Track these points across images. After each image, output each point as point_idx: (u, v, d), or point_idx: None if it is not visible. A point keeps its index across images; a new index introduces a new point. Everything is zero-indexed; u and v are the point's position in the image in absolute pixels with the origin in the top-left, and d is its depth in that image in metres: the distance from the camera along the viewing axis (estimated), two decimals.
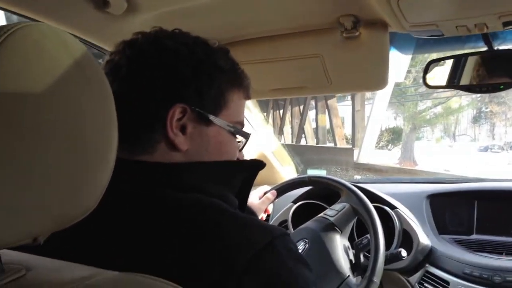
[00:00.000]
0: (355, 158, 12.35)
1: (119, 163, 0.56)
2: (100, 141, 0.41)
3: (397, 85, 15.36)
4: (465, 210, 1.35)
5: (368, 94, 14.67)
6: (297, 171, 1.98)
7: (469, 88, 1.11)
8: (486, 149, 24.72)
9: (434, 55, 1.21)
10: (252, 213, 1.14)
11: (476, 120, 28.73)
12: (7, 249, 0.46)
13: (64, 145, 0.37)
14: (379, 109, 12.37)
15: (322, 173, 1.66)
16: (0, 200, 0.33)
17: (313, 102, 15.82)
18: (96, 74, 0.43)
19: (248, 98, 0.74)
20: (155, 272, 0.42)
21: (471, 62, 1.06)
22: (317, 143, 15.27)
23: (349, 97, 14.64)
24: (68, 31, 0.97)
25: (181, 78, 0.62)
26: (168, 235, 0.52)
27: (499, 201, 1.32)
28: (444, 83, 1.12)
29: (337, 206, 1.21)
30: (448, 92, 16.18)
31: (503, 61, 1.04)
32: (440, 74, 1.12)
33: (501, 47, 1.10)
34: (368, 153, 12.44)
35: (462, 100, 19.13)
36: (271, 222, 1.46)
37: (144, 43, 0.65)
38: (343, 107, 16.90)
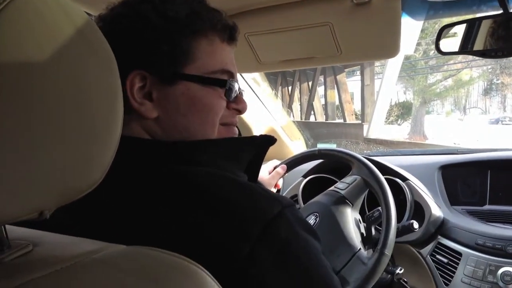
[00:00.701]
0: (364, 133, 12.31)
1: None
2: (106, 111, 0.40)
3: (406, 58, 15.15)
4: (478, 181, 1.33)
5: (377, 69, 14.52)
6: (307, 145, 1.97)
7: (483, 53, 1.07)
8: (497, 121, 24.50)
9: (447, 22, 1.17)
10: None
11: (487, 92, 28.35)
12: (14, 225, 0.45)
13: (70, 115, 0.36)
14: (389, 84, 12.25)
15: (332, 146, 1.64)
16: (4, 173, 0.32)
17: (321, 78, 15.70)
18: (100, 42, 0.42)
19: (231, 39, 0.67)
20: (166, 244, 0.41)
21: (485, 26, 1.02)
22: (327, 119, 15.23)
23: (358, 72, 14.50)
24: None
25: (128, 43, 0.58)
26: (179, 207, 0.51)
27: None
28: (457, 49, 1.08)
29: (348, 179, 1.20)
30: (459, 64, 15.97)
31: None
32: (453, 41, 1.08)
33: None
34: (378, 128, 12.40)
35: (473, 72, 18.87)
36: None
37: (104, 16, 0.62)
38: (352, 82, 16.77)
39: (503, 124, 23.68)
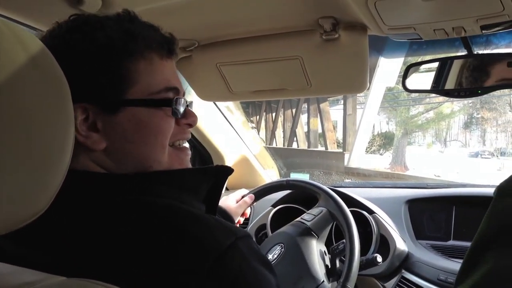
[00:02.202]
0: (345, 162, 12.41)
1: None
2: (55, 142, 0.40)
3: (389, 89, 15.46)
4: (443, 216, 1.35)
5: (360, 99, 14.77)
6: (280, 174, 1.97)
7: (447, 93, 1.10)
8: (476, 154, 25.00)
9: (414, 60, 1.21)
10: (229, 217, 1.13)
11: (467, 125, 29.03)
12: None
13: (19, 143, 0.36)
14: (370, 114, 12.47)
15: (304, 177, 1.65)
16: None
17: (305, 105, 15.89)
18: (53, 70, 0.42)
19: (170, 53, 0.64)
20: (115, 277, 0.41)
21: (448, 66, 1.06)
22: (309, 146, 15.33)
23: (342, 101, 14.72)
24: (41, 29, 0.95)
25: (68, 77, 0.48)
26: (131, 238, 0.50)
27: (477, 207, 1.31)
28: (422, 87, 1.11)
29: (315, 210, 1.20)
30: (441, 98, 16.36)
31: (481, 66, 1.04)
32: (419, 79, 1.12)
33: (481, 52, 1.09)
34: (359, 157, 12.51)
35: (454, 105, 19.35)
36: (250, 226, 1.45)
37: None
38: (335, 111, 16.97)
39: (482, 157, 24.08)
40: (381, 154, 20.40)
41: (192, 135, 1.56)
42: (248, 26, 1.08)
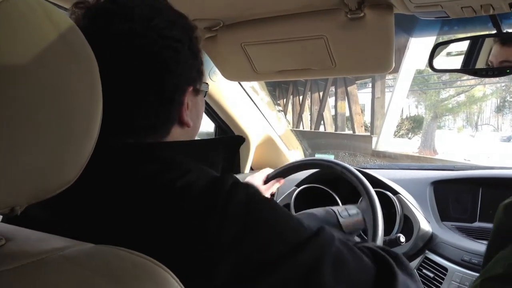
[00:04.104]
0: (373, 146, 12.27)
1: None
2: (84, 116, 0.42)
3: (419, 72, 15.09)
4: (470, 197, 1.34)
5: (389, 82, 14.50)
6: (305, 155, 1.98)
7: (475, 72, 1.08)
8: (509, 139, 24.38)
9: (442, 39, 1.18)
10: None
11: (499, 109, 28.26)
12: None
13: (48, 118, 0.38)
14: (399, 97, 12.23)
15: (329, 157, 1.64)
16: None
17: (333, 89, 15.70)
18: (83, 48, 0.43)
19: None
20: (133, 245, 0.42)
21: (477, 45, 1.04)
22: (336, 129, 15.21)
23: (370, 84, 14.48)
24: (65, 6, 0.97)
25: (188, 61, 0.64)
26: (153, 210, 0.52)
27: (504, 188, 1.30)
28: (450, 67, 1.10)
29: (352, 210, 1.15)
30: (472, 81, 15.92)
31: (510, 44, 1.01)
32: (446, 58, 1.10)
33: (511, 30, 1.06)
34: (387, 140, 12.35)
35: (486, 88, 18.79)
36: None
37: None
38: (363, 94, 16.73)
39: None
40: (409, 138, 20.05)
41: (217, 115, 1.58)
42: (273, 6, 1.08)
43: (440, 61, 1.12)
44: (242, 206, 0.51)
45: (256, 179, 1.23)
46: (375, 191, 1.17)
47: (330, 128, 16.06)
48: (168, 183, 0.54)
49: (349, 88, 14.12)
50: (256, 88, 1.62)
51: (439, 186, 1.38)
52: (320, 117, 16.43)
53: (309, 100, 17.89)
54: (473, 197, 1.33)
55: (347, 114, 14.98)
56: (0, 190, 0.36)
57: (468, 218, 1.32)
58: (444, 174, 1.42)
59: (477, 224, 1.30)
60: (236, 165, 0.75)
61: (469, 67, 1.09)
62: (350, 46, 1.10)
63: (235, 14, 1.12)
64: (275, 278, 0.48)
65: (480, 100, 19.85)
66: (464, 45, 1.09)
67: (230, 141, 0.72)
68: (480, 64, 1.07)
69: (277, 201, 1.45)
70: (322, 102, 16.10)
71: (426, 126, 17.18)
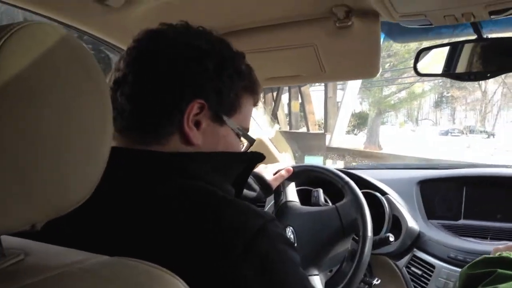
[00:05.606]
0: (327, 143, 12.55)
1: (125, 152, 0.60)
2: (93, 137, 0.44)
3: None
4: (454, 196, 1.38)
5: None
6: (294, 157, 2.01)
7: (458, 76, 1.13)
8: (446, 133, 25.50)
9: (426, 44, 1.22)
10: (267, 185, 1.19)
11: (437, 104, 29.42)
12: (8, 235, 0.49)
13: (64, 134, 0.39)
14: (351, 95, 12.69)
15: (318, 160, 1.68)
16: (1, 189, 0.36)
17: (286, 89, 15.82)
18: (95, 72, 0.45)
19: (256, 105, 0.76)
20: (151, 258, 0.44)
21: (459, 51, 1.08)
22: (290, 128, 15.37)
23: (322, 84, 14.77)
24: (68, 23, 0.99)
25: (205, 75, 0.65)
26: (167, 221, 0.54)
27: (487, 186, 1.35)
28: (433, 71, 1.14)
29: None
30: (412, 78, 16.36)
31: (491, 50, 1.06)
32: (428, 63, 1.14)
33: (490, 36, 1.11)
34: (340, 138, 12.69)
35: (425, 85, 19.52)
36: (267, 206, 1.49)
37: (171, 35, 0.66)
38: (314, 93, 16.95)
39: (452, 135, 24.64)
40: (355, 134, 20.45)
41: None
42: (263, 16, 1.11)
43: (424, 66, 1.17)
44: (264, 258, 0.53)
45: (267, 171, 1.25)
46: (364, 192, 1.22)
47: (284, 127, 16.23)
48: (192, 205, 0.56)
49: (302, 88, 14.31)
50: None
51: (425, 185, 1.43)
52: (274, 116, 16.54)
53: (263, 100, 17.92)
54: (458, 195, 1.38)
55: (301, 113, 15.22)
56: (22, 208, 0.38)
57: (453, 216, 1.36)
58: (429, 173, 1.47)
59: (461, 221, 1.34)
60: (246, 180, 0.76)
61: (451, 71, 1.13)
62: (339, 53, 1.14)
63: (226, 24, 1.15)
64: None
65: (419, 96, 20.62)
66: (446, 51, 1.13)
67: (253, 157, 0.73)
68: (462, 68, 1.11)
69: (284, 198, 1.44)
70: (276, 103, 16.21)
71: (370, 122, 17.63)
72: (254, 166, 0.74)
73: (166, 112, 0.64)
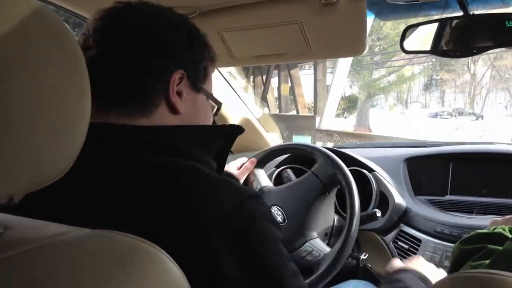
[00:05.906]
0: (317, 125, 12.65)
1: (104, 127, 0.60)
2: (73, 105, 0.43)
3: None
4: (441, 172, 1.40)
5: (329, 63, 14.84)
6: (282, 137, 2.01)
7: (444, 53, 1.13)
8: (436, 115, 25.79)
9: (412, 21, 1.22)
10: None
11: (427, 87, 29.79)
12: None
13: (37, 110, 0.39)
14: (340, 78, 12.74)
15: (306, 139, 1.68)
16: None
17: (275, 72, 15.79)
18: (68, 39, 0.44)
19: (213, 71, 0.80)
20: (128, 230, 0.44)
21: (445, 27, 1.08)
22: (280, 111, 15.42)
23: (308, 66, 14.77)
24: (79, 12, 0.95)
25: (182, 46, 0.68)
26: (142, 195, 0.55)
27: (473, 162, 1.37)
28: (420, 48, 1.14)
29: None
30: (402, 61, 16.42)
31: (477, 26, 1.06)
32: (414, 40, 1.14)
33: (477, 12, 1.11)
34: (329, 120, 12.81)
35: (414, 68, 19.63)
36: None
37: (140, 10, 0.68)
38: (304, 76, 16.98)
39: (441, 118, 24.89)
40: (345, 117, 20.68)
41: None
42: None
43: (411, 43, 1.16)
44: (239, 233, 0.54)
45: (231, 167, 1.27)
46: (352, 169, 1.23)
47: (274, 110, 16.25)
48: (172, 177, 0.56)
49: (292, 71, 14.30)
50: (234, 73, 1.64)
51: (412, 162, 1.44)
52: (264, 99, 16.53)
53: (253, 84, 17.92)
54: (444, 171, 1.40)
55: (290, 96, 15.23)
56: None
57: (440, 192, 1.38)
58: (417, 151, 1.48)
59: (448, 197, 1.36)
60: (227, 153, 0.77)
61: (437, 48, 1.13)
62: (324, 30, 1.13)
63: (211, 1, 1.13)
64: None
65: (409, 79, 20.85)
66: (433, 27, 1.13)
67: (231, 130, 0.74)
68: (449, 45, 1.11)
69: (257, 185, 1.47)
70: (266, 86, 16.18)
71: (360, 105, 17.81)
72: (234, 138, 0.75)
73: (151, 84, 0.65)
